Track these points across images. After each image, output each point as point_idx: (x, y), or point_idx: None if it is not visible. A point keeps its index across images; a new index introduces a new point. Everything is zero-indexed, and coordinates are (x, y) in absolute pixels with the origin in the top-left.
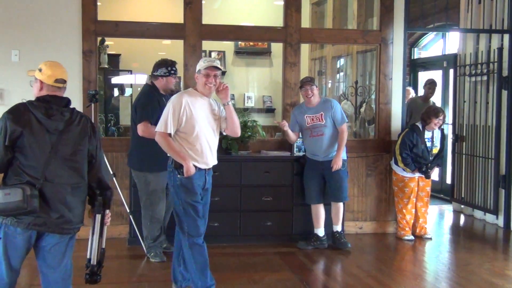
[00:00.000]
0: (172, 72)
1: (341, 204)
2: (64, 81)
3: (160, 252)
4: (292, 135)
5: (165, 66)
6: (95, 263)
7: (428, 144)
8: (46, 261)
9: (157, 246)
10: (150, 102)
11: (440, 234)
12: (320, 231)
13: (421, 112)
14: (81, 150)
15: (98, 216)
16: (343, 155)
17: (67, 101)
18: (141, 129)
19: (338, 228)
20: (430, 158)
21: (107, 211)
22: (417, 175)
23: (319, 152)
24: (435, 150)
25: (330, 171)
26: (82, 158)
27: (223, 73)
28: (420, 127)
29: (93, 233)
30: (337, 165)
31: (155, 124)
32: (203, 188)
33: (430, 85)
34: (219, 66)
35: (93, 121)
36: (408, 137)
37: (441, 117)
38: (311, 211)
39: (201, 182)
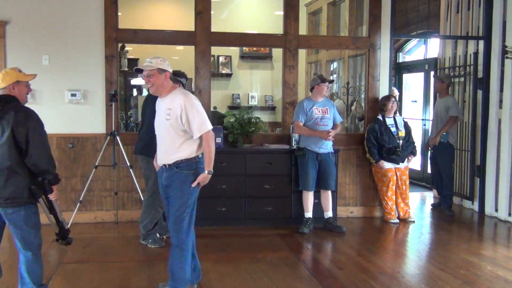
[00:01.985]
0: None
1: (330, 192)
2: None
3: (158, 238)
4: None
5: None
6: (57, 231)
7: (393, 129)
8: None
9: (154, 233)
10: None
11: (422, 218)
12: (310, 214)
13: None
14: (3, 138)
15: (41, 199)
16: (331, 149)
17: (1, 98)
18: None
19: (330, 214)
20: (398, 142)
21: (54, 191)
22: (391, 165)
23: (321, 141)
24: (401, 134)
25: (325, 162)
26: (6, 145)
27: (229, 75)
28: (380, 117)
29: (45, 211)
30: (331, 135)
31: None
32: (164, 184)
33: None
34: (139, 67)
35: (113, 119)
36: (371, 130)
37: (392, 99)
38: (303, 197)
39: (161, 178)
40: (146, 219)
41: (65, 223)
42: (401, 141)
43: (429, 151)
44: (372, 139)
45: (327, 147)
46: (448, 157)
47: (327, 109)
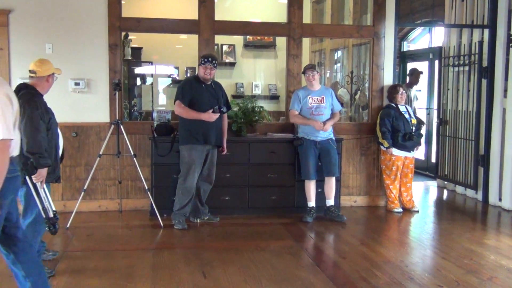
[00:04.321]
0: (202, 62)
1: (334, 179)
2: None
3: (183, 220)
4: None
5: (202, 57)
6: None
7: (407, 116)
8: None
9: (181, 214)
10: (183, 88)
11: (425, 207)
12: (313, 203)
13: None
14: None
15: (27, 179)
16: (333, 135)
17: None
18: (176, 105)
19: (331, 202)
20: (412, 128)
21: (37, 174)
22: (402, 154)
23: (318, 130)
24: (413, 121)
25: (325, 149)
26: None
27: (233, 64)
28: (394, 105)
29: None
30: (326, 127)
31: (187, 104)
32: None
33: (414, 73)
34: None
35: (117, 108)
36: (386, 114)
37: (400, 90)
38: (305, 186)
39: None
40: (176, 199)
41: (50, 210)
42: (413, 128)
43: None
44: (388, 123)
45: (325, 134)
46: None
47: (323, 97)
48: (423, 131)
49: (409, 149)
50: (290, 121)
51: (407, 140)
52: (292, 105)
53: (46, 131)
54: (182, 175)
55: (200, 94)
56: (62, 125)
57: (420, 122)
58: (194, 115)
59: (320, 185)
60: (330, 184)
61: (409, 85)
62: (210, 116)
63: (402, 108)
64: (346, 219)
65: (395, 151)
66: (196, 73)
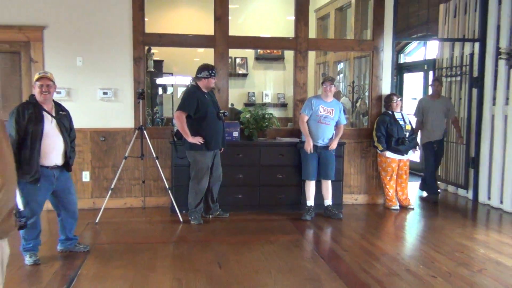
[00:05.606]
0: (212, 74)
1: (329, 181)
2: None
3: (199, 216)
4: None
5: (207, 69)
6: None
7: (401, 122)
8: None
9: (197, 212)
10: (189, 98)
11: (420, 205)
12: (311, 202)
13: (432, 110)
14: None
15: None
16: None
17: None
18: (176, 115)
19: (329, 202)
20: (405, 134)
21: None
22: (396, 157)
23: (321, 137)
24: (407, 127)
25: (324, 154)
26: None
27: (245, 75)
28: (390, 112)
29: None
30: (332, 146)
31: (191, 115)
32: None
33: (434, 82)
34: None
35: (140, 115)
36: (382, 121)
37: (395, 98)
38: (305, 186)
39: None
40: (190, 199)
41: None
42: (407, 134)
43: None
44: (382, 129)
45: (324, 141)
46: (443, 150)
47: (332, 110)
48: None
49: (403, 152)
50: (299, 122)
51: (400, 144)
52: (304, 109)
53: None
54: (195, 177)
55: (205, 102)
56: (92, 130)
57: (413, 129)
58: (184, 133)
59: (318, 185)
60: (327, 186)
61: (433, 96)
62: (197, 140)
63: (397, 115)
64: (342, 217)
65: (389, 154)
66: (193, 82)
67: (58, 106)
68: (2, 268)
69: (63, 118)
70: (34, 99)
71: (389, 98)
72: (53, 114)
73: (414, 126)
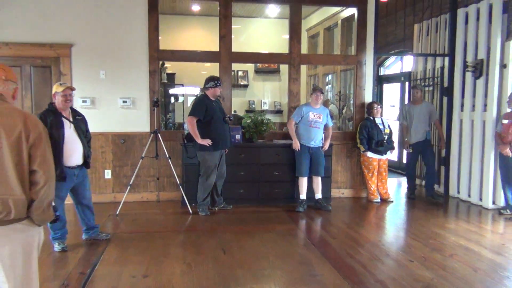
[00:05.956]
0: (218, 84)
1: (320, 178)
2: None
3: (206, 208)
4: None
5: (213, 80)
6: None
7: (381, 127)
8: None
9: (204, 204)
10: (198, 105)
11: (398, 198)
12: (304, 196)
13: (414, 115)
14: None
15: None
16: (320, 143)
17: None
18: (188, 120)
19: (319, 195)
20: (384, 136)
21: None
22: (376, 156)
23: (313, 139)
24: (386, 131)
25: (316, 154)
26: None
27: (246, 86)
28: (371, 117)
29: None
30: (325, 147)
31: (201, 119)
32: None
33: (413, 89)
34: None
35: (155, 121)
36: (364, 125)
37: (375, 106)
38: (298, 182)
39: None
40: (198, 193)
41: None
42: (386, 136)
43: (410, 149)
44: (364, 132)
45: (315, 143)
46: (432, 151)
47: (321, 115)
48: (394, 139)
49: (382, 152)
50: (287, 125)
51: (379, 146)
52: (294, 115)
53: None
54: (204, 174)
55: (213, 108)
56: (113, 134)
57: (391, 132)
58: (195, 135)
59: (310, 181)
60: (317, 181)
61: (413, 101)
62: (206, 142)
63: (378, 120)
64: (331, 209)
65: (370, 154)
66: (202, 92)
67: (74, 112)
68: (38, 251)
69: (79, 122)
70: (54, 107)
71: (370, 105)
72: (71, 120)
73: (393, 130)
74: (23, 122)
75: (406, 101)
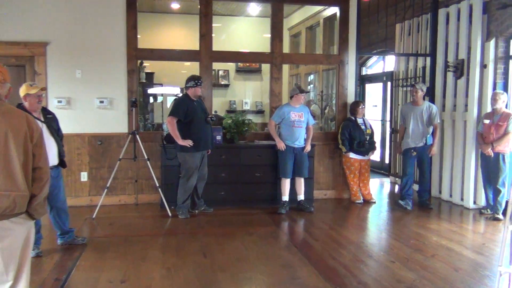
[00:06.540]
0: (199, 83)
1: (302, 179)
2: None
3: (186, 211)
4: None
5: (193, 80)
6: None
7: (363, 127)
8: None
9: (184, 207)
10: (179, 105)
11: (381, 199)
12: (286, 198)
13: (411, 116)
14: None
15: None
16: (304, 144)
17: None
18: (168, 120)
19: (301, 197)
20: (366, 137)
21: None
22: (358, 157)
23: (297, 138)
24: (368, 131)
25: (299, 154)
26: None
27: (227, 85)
28: (353, 118)
29: None
30: (307, 149)
31: (182, 120)
32: None
33: (413, 88)
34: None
35: (133, 121)
36: (345, 126)
37: (360, 105)
38: (281, 183)
39: None
40: (178, 195)
41: None
42: (367, 137)
43: (413, 153)
44: (346, 133)
45: (300, 143)
46: (430, 159)
47: (302, 114)
48: (377, 139)
49: (363, 153)
50: (268, 126)
51: (361, 146)
52: (273, 116)
53: None
54: (185, 176)
55: (194, 109)
56: (90, 135)
57: (372, 132)
58: (175, 136)
59: (293, 183)
60: (300, 182)
61: (414, 102)
62: (187, 143)
63: (359, 121)
64: (313, 210)
65: (352, 154)
66: (184, 92)
67: (44, 111)
68: (31, 245)
69: (50, 121)
70: (23, 107)
71: (356, 104)
72: (42, 119)
73: (374, 131)
74: (26, 122)
75: (389, 101)
